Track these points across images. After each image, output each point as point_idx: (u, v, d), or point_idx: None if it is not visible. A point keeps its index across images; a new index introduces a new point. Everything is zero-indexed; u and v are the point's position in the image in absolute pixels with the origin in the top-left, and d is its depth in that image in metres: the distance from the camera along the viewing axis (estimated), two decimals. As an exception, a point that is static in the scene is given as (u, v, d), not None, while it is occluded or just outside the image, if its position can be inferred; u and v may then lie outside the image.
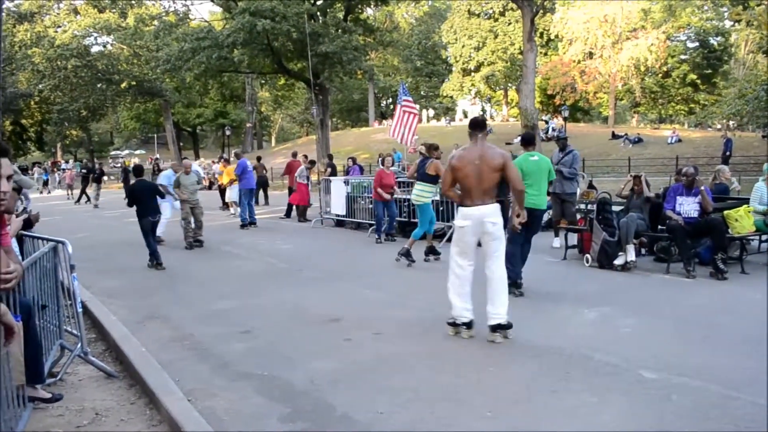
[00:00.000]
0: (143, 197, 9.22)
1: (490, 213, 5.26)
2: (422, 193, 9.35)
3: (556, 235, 10.45)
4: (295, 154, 17.98)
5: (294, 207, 16.05)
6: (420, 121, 46.67)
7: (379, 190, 11.25)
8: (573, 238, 9.44)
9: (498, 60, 53.21)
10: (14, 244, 4.15)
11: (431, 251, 9.44)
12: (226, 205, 18.75)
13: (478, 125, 5.52)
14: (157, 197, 9.63)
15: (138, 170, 10.02)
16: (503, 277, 5.33)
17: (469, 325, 5.41)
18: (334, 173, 16.18)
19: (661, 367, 4.51)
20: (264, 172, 21.25)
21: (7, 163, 2.77)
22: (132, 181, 9.90)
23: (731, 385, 4.13)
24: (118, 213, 19.35)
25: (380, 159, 12.16)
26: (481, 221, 5.24)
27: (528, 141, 7.84)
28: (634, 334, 5.43)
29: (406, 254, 9.11)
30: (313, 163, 18.49)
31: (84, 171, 27.24)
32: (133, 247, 11.86)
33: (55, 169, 44.38)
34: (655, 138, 36.34)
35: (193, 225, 11.49)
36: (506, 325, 5.24)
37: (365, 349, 5.18)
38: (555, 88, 46.96)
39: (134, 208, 9.36)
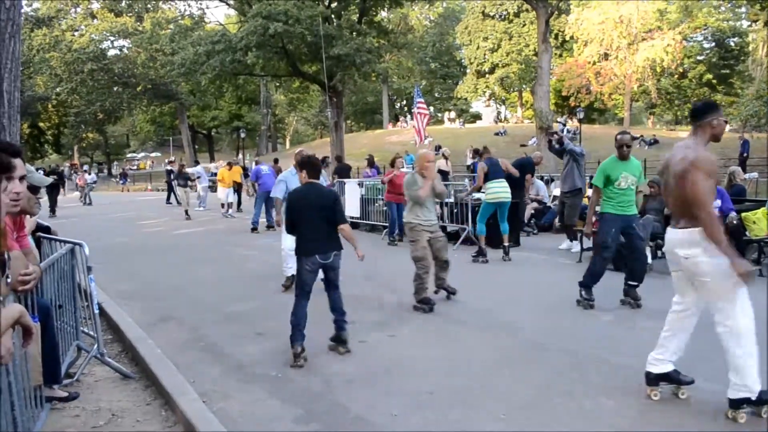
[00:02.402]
0: (307, 215, 4.97)
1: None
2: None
3: (572, 238, 10.28)
4: None
5: None
6: (431, 122, 46.44)
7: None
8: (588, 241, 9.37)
9: (513, 62, 53.11)
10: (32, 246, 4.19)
11: (480, 253, 9.59)
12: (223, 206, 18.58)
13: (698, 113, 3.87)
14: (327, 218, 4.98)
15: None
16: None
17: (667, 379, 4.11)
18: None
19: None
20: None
21: (20, 164, 2.80)
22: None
23: (749, 389, 4.07)
24: (131, 215, 19.60)
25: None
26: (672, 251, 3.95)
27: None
28: (651, 336, 5.36)
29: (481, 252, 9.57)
30: (323, 161, 18.45)
31: (54, 177, 21.24)
32: (147, 250, 11.96)
33: (74, 172, 44.79)
34: (672, 140, 35.89)
35: (431, 266, 6.81)
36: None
37: (380, 352, 5.17)
38: (570, 89, 46.75)
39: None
